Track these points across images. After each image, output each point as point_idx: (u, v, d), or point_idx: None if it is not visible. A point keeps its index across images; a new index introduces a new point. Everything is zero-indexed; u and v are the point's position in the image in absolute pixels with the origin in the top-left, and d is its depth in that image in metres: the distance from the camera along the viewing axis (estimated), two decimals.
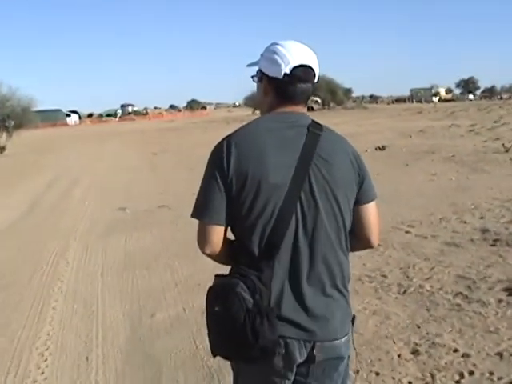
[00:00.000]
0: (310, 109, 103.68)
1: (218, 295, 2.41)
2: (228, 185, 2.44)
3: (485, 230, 9.65)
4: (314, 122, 2.61)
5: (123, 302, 7.42)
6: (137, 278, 8.43)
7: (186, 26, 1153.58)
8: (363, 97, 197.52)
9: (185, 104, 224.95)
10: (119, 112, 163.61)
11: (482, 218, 10.73)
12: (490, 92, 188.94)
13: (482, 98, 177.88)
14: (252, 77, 2.77)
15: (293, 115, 2.61)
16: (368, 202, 2.67)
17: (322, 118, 36.95)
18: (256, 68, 2.74)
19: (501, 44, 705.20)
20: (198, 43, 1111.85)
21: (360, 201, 2.63)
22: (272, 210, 2.43)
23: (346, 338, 2.60)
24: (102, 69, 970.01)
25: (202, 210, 2.53)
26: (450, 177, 15.95)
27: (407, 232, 9.99)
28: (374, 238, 2.74)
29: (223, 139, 2.54)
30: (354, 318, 2.71)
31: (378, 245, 8.71)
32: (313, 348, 2.49)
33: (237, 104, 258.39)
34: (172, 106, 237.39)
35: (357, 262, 8.18)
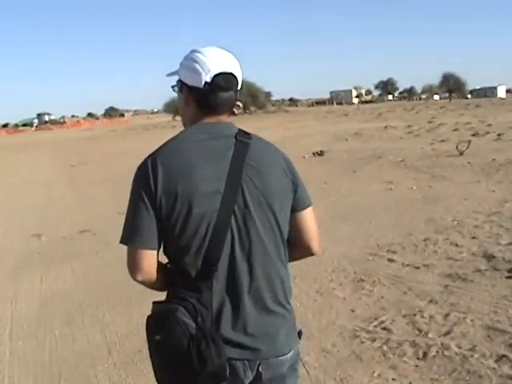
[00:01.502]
0: (232, 113, 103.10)
1: (158, 323, 2.28)
2: (157, 206, 2.29)
3: (489, 257, 7.93)
4: (241, 130, 2.50)
5: (38, 381, 5.46)
6: (56, 339, 6.40)
7: (101, 34, 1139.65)
8: (283, 100, 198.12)
9: (103, 112, 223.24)
10: (36, 121, 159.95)
11: (474, 237, 9.06)
12: (409, 93, 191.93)
13: (401, 99, 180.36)
14: (172, 87, 2.62)
15: (218, 125, 2.48)
16: (304, 208, 2.56)
17: (245, 122, 35.56)
18: (176, 77, 2.59)
19: (418, 45, 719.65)
20: (114, 50, 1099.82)
21: (296, 208, 2.54)
22: (206, 227, 2.30)
23: (292, 352, 2.50)
24: (16, 77, 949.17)
25: (131, 235, 2.34)
26: (409, 185, 14.37)
27: (390, 260, 8.21)
28: (315, 244, 2.62)
29: (147, 158, 2.38)
30: (300, 332, 2.61)
31: (362, 280, 7.14)
32: (259, 366, 2.38)
33: (155, 110, 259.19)
34: (90, 114, 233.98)
35: (341, 307, 6.59)
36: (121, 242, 2.40)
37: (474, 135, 25.60)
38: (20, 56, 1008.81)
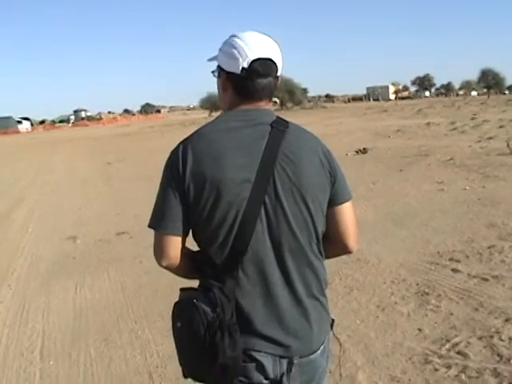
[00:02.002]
0: (270, 100, 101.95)
1: (180, 310, 2.29)
2: (185, 191, 2.28)
3: None
4: (278, 118, 2.42)
5: None
6: (91, 359, 5.79)
7: (138, 31, 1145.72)
8: (319, 96, 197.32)
9: (139, 108, 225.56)
10: (72, 118, 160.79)
11: None
12: (447, 89, 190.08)
13: (439, 95, 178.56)
14: (212, 72, 2.58)
15: (255, 112, 2.42)
16: (342, 202, 2.48)
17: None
18: (216, 63, 2.54)
19: (455, 41, 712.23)
20: (149, 46, 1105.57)
21: (334, 202, 2.45)
22: (234, 216, 2.26)
23: (322, 348, 2.47)
24: (54, 74, 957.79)
25: (157, 220, 2.36)
26: (462, 186, 13.56)
27: (455, 270, 7.48)
28: (352, 242, 2.53)
29: (179, 143, 2.38)
30: (332, 321, 2.58)
31: (426, 293, 6.43)
32: (289, 364, 2.34)
33: (191, 106, 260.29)
34: (126, 111, 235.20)
35: (406, 325, 5.95)
36: (148, 226, 2.40)
37: None
38: (58, 53, 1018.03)
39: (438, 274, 7.40)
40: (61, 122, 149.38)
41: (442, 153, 19.59)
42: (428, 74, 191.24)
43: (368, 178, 15.35)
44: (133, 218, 12.68)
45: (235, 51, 2.40)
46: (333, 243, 2.53)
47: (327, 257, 2.55)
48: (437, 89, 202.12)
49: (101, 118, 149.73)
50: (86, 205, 15.47)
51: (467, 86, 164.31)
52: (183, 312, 2.27)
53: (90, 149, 40.80)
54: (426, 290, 6.85)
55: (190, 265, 2.45)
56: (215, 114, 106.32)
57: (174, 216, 2.32)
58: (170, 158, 2.38)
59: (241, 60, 2.38)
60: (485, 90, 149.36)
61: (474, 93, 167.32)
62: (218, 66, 2.52)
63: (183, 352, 2.36)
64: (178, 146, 2.37)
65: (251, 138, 2.34)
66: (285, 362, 2.35)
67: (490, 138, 23.14)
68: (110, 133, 65.78)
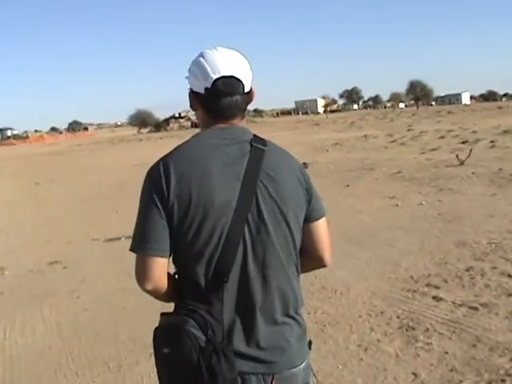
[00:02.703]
0: (197, 125, 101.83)
1: (167, 335, 2.18)
2: (169, 211, 2.19)
3: None
4: (255, 136, 2.40)
5: None
6: None
7: (64, 48, 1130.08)
8: (248, 111, 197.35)
9: (66, 126, 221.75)
10: None
11: None
12: (374, 101, 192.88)
13: (367, 108, 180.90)
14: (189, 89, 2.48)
15: (232, 130, 2.38)
16: (318, 218, 2.51)
17: None
18: None
19: (380, 55, 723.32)
20: (74, 62, 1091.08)
21: (310, 218, 2.47)
22: (219, 236, 2.21)
23: (304, 363, 2.43)
24: None
25: (141, 242, 2.23)
26: (417, 200, 12.95)
27: (437, 298, 6.69)
28: (328, 256, 2.57)
29: (159, 161, 2.29)
30: (310, 342, 2.53)
31: (411, 328, 5.76)
32: (272, 380, 2.30)
33: (119, 123, 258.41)
34: (53, 129, 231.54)
35: (398, 369, 5.15)
36: (131, 250, 2.26)
37: (463, 143, 24.45)
38: None
39: (418, 304, 6.60)
40: None
41: (388, 166, 19.02)
42: (356, 87, 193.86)
43: None
44: (66, 245, 11.57)
45: (198, 71, 2.35)
46: (309, 258, 2.52)
47: (303, 271, 2.52)
48: (364, 101, 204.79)
49: (27, 137, 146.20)
50: (14, 230, 14.21)
51: (395, 98, 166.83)
52: (170, 337, 2.15)
53: (17, 168, 38.50)
54: (411, 324, 6.04)
55: (171, 288, 2.32)
56: (144, 131, 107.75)
57: (160, 237, 2.22)
58: (150, 177, 2.27)
59: (202, 80, 2.33)
60: (412, 102, 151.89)
61: (401, 105, 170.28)
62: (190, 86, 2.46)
63: (173, 379, 2.22)
64: (157, 165, 2.27)
65: (233, 156, 2.29)
66: (268, 378, 2.29)
67: (433, 150, 22.74)
68: (38, 152, 63.08)
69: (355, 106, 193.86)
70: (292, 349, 2.37)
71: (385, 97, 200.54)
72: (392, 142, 29.01)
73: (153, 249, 2.22)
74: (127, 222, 13.50)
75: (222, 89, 2.32)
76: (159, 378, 2.30)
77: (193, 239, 2.23)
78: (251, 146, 2.34)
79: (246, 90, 2.41)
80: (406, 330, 5.93)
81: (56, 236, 12.73)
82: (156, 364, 2.26)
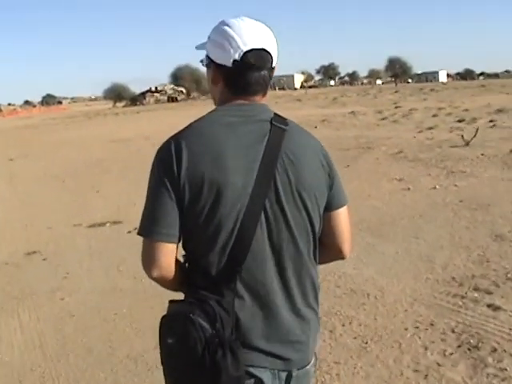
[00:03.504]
0: (174, 99, 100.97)
1: (172, 325, 2.03)
2: (180, 194, 2.05)
3: None
4: (276, 115, 2.22)
5: None
6: None
7: (38, 19, 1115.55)
8: None
9: (40, 99, 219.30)
10: None
11: None
12: (351, 78, 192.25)
13: (344, 84, 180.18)
14: (201, 61, 2.34)
15: (252, 107, 2.20)
16: (340, 207, 2.33)
17: (194, 109, 33.47)
18: (204, 51, 2.30)
19: (360, 31, 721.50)
20: (48, 34, 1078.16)
21: (331, 206, 2.30)
22: (233, 222, 2.06)
23: (314, 358, 2.35)
24: None
25: (149, 226, 2.09)
26: (429, 184, 11.89)
27: (494, 308, 5.67)
28: (347, 247, 2.40)
29: (169, 139, 2.14)
30: None
31: (474, 347, 4.83)
32: (288, 377, 2.20)
33: (93, 97, 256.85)
34: (27, 102, 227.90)
35: None
36: (139, 234, 2.11)
37: (460, 121, 23.31)
38: None
39: (473, 314, 5.54)
40: None
41: (387, 145, 17.82)
42: (333, 63, 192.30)
43: None
44: (45, 232, 10.35)
45: (225, 42, 2.15)
46: (328, 248, 2.36)
47: (320, 262, 2.35)
48: (340, 78, 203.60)
49: (0, 110, 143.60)
50: None
51: (374, 75, 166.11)
52: (176, 327, 1.99)
53: None
54: (472, 342, 4.99)
55: (180, 276, 2.16)
56: (119, 105, 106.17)
57: (170, 221, 2.06)
58: (159, 157, 2.13)
59: (232, 52, 2.14)
60: (389, 79, 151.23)
61: (378, 81, 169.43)
62: (207, 57, 2.27)
63: (175, 372, 2.06)
64: (168, 143, 2.12)
65: (251, 136, 2.12)
66: (284, 375, 2.19)
67: (430, 128, 21.54)
68: (11, 125, 60.54)
69: (332, 82, 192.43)
70: (309, 344, 2.26)
71: (362, 73, 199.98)
72: (383, 119, 27.74)
73: (161, 233, 2.07)
74: (110, 204, 12.37)
75: (253, 62, 2.16)
76: (163, 370, 2.12)
77: (204, 224, 2.07)
78: (271, 125, 2.16)
79: (274, 64, 2.25)
80: (469, 349, 4.88)
81: (33, 220, 11.48)
82: (160, 354, 2.08)
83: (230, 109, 2.20)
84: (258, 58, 2.16)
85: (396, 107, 35.17)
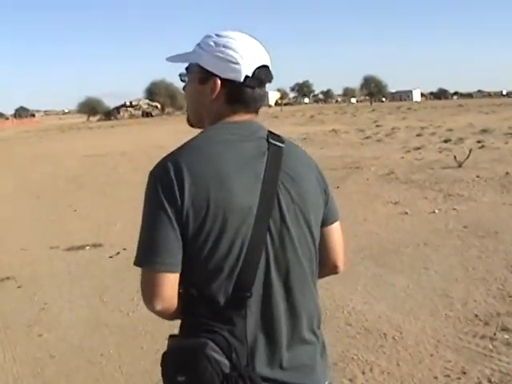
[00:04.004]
0: (149, 114, 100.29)
1: (182, 361, 1.88)
2: (183, 220, 1.91)
3: None
4: (270, 132, 2.15)
5: None
6: None
7: (12, 31, 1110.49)
8: None
9: (12, 112, 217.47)
10: None
11: None
12: (326, 95, 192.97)
13: (318, 102, 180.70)
14: (180, 75, 2.22)
15: (248, 125, 2.11)
16: (334, 222, 2.27)
17: (169, 124, 33.05)
18: (182, 64, 2.21)
19: (334, 49, 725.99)
20: (20, 45, 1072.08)
21: (326, 222, 2.23)
22: (240, 246, 1.94)
23: (328, 382, 2.21)
24: None
25: (150, 255, 1.93)
26: (427, 208, 11.29)
27: None
28: (341, 263, 2.34)
29: (166, 159, 1.99)
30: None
31: None
32: None
33: (66, 111, 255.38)
34: None
35: None
36: (136, 264, 1.96)
37: (445, 142, 22.83)
38: None
39: (508, 360, 4.92)
40: None
41: (375, 165, 17.18)
42: (307, 81, 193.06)
43: None
44: (19, 254, 9.56)
45: (236, 54, 2.05)
46: (323, 264, 2.24)
47: None
48: (314, 95, 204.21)
49: None
50: None
51: (348, 93, 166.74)
52: (187, 363, 1.84)
53: None
54: None
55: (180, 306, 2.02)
56: (93, 119, 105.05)
57: (172, 250, 1.92)
58: (156, 179, 1.95)
59: (244, 66, 2.05)
60: (362, 98, 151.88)
61: (353, 100, 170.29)
62: (202, 70, 2.11)
63: None
64: (165, 164, 1.96)
65: (251, 154, 2.02)
66: None
67: (418, 149, 20.95)
68: None
69: (306, 100, 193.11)
70: (317, 368, 2.12)
71: (336, 91, 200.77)
72: (366, 138, 27.13)
73: (164, 263, 1.92)
74: (89, 225, 11.47)
75: (263, 78, 2.11)
76: None
77: (210, 252, 1.93)
78: (268, 142, 2.07)
79: None
80: None
81: (5, 241, 10.68)
82: None
83: (226, 126, 2.09)
84: (267, 74, 2.13)
85: (377, 126, 34.77)
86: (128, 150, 26.68)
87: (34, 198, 15.56)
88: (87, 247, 9.58)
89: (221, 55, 2.07)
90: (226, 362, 1.85)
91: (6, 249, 10.04)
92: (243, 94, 2.09)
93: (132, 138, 37.36)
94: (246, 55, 2.06)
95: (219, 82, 2.08)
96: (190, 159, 1.97)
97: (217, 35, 2.13)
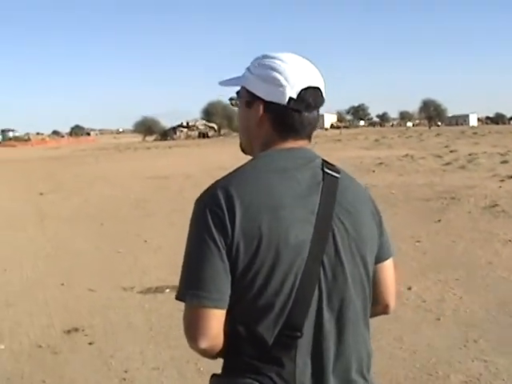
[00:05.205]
0: (205, 135, 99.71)
1: None
2: (233, 254, 1.80)
3: None
4: (324, 161, 2.03)
5: None
6: None
7: (67, 52, 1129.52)
8: None
9: (68, 130, 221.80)
10: None
11: None
12: (382, 119, 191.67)
13: (374, 125, 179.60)
14: (231, 99, 2.26)
15: (303, 152, 2.00)
16: (387, 258, 2.13)
17: (230, 147, 31.83)
18: (235, 88, 2.14)
19: (390, 72, 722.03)
20: (76, 66, 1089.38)
21: (380, 258, 2.09)
22: (292, 282, 1.83)
23: None
24: None
25: (196, 289, 1.81)
26: None
27: None
28: (393, 302, 2.20)
29: (215, 186, 1.90)
30: None
31: None
32: None
33: (120, 130, 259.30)
34: (55, 132, 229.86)
35: None
36: (178, 299, 1.85)
37: None
38: None
39: None
40: None
41: (473, 196, 15.24)
42: (363, 104, 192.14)
43: (398, 233, 11.16)
44: (87, 296, 8.16)
45: (280, 76, 1.96)
46: (374, 303, 2.08)
47: None
48: (369, 119, 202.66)
49: (29, 139, 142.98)
50: (12, 263, 10.54)
51: (405, 117, 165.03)
52: None
53: (17, 173, 34.62)
54: None
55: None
56: (149, 139, 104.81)
57: (219, 284, 1.80)
58: (204, 206, 1.85)
59: (288, 88, 1.94)
60: (417, 122, 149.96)
61: (408, 123, 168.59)
62: (248, 93, 2.03)
63: None
64: (214, 191, 1.87)
65: (306, 184, 1.92)
66: None
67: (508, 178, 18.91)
68: (40, 155, 58.75)
69: (361, 123, 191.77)
70: None
71: (391, 115, 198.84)
72: (446, 164, 25.16)
73: (211, 299, 1.79)
74: (164, 260, 9.05)
75: (310, 101, 1.97)
76: None
77: (261, 288, 1.82)
78: (323, 172, 1.96)
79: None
80: None
81: (70, 278, 9.21)
82: None
83: (279, 154, 1.97)
84: (314, 97, 2.00)
85: (451, 151, 32.76)
86: (191, 172, 25.38)
87: (97, 224, 14.24)
88: (167, 290, 8.07)
89: (264, 76, 1.99)
90: None
91: (72, 288, 8.62)
92: (289, 118, 1.98)
93: (193, 160, 36.13)
94: (291, 77, 1.95)
95: (262, 105, 1.99)
96: (241, 186, 1.85)
97: (264, 56, 2.05)
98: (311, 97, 1.97)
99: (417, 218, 13.02)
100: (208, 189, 1.91)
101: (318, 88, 2.00)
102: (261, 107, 1.99)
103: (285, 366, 1.82)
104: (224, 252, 1.79)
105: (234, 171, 1.94)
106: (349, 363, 1.94)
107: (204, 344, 1.82)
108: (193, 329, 1.82)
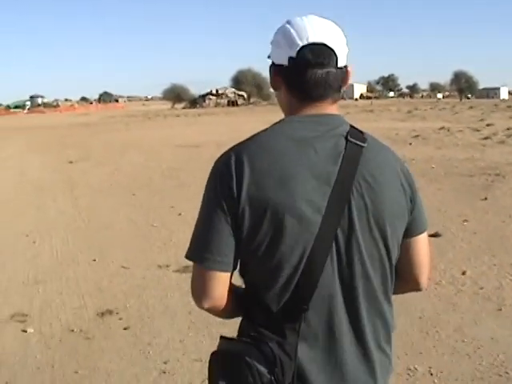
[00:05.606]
0: (235, 103, 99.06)
1: (224, 364, 1.80)
2: (238, 218, 1.78)
3: None
4: (353, 128, 1.92)
5: None
6: None
7: (96, 20, 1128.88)
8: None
9: (96, 96, 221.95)
10: (28, 104, 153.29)
11: None
12: (412, 90, 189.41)
13: (404, 96, 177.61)
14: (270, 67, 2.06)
15: (328, 119, 1.90)
16: (419, 233, 2.02)
17: (255, 115, 31.14)
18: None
19: (421, 44, 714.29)
20: (106, 34, 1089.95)
21: (410, 233, 1.99)
22: (300, 254, 1.78)
23: None
24: (9, 57, 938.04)
25: (201, 251, 1.83)
26: None
27: None
28: (425, 278, 2.10)
29: (229, 151, 1.87)
30: None
31: None
32: None
33: (149, 97, 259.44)
34: (84, 99, 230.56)
35: None
36: (187, 258, 1.86)
37: None
38: (12, 38, 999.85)
39: None
40: (16, 107, 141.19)
41: None
42: (393, 74, 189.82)
43: (443, 211, 10.61)
44: (120, 275, 7.76)
45: (282, 38, 1.90)
46: (403, 279, 2.05)
47: (394, 293, 2.01)
48: (398, 90, 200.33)
49: (58, 106, 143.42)
50: (42, 235, 10.15)
51: (435, 88, 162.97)
52: (229, 368, 1.75)
53: (47, 140, 34.06)
54: None
55: (235, 305, 1.91)
56: (178, 106, 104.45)
57: (225, 246, 1.79)
58: (216, 172, 1.84)
59: (286, 48, 1.87)
60: (447, 94, 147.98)
61: (439, 95, 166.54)
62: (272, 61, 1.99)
63: None
64: (227, 156, 1.84)
65: (325, 154, 1.82)
66: None
67: None
68: (69, 122, 58.46)
69: (391, 94, 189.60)
70: None
71: (421, 86, 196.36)
72: (485, 138, 24.34)
73: (215, 261, 1.80)
74: None
75: (309, 58, 1.85)
76: None
77: (265, 256, 1.79)
78: (346, 141, 1.85)
79: (340, 63, 1.89)
80: None
81: (103, 254, 8.79)
82: None
83: (300, 120, 1.89)
84: (315, 53, 1.84)
85: (487, 125, 31.86)
86: (222, 140, 24.86)
87: (129, 195, 13.83)
88: None
89: (274, 41, 1.96)
90: (268, 374, 1.70)
91: (104, 265, 8.21)
92: (293, 78, 1.90)
93: (223, 128, 35.56)
94: (292, 36, 1.87)
95: (273, 69, 1.96)
96: (254, 154, 1.80)
97: (285, 22, 1.97)
98: (310, 53, 1.85)
99: (461, 196, 12.42)
100: (224, 152, 1.87)
101: (324, 44, 1.86)
102: (274, 71, 1.97)
103: (287, 337, 1.78)
104: (229, 216, 1.77)
105: (253, 136, 1.88)
106: (364, 337, 1.89)
107: (206, 304, 1.84)
108: (197, 289, 1.84)
